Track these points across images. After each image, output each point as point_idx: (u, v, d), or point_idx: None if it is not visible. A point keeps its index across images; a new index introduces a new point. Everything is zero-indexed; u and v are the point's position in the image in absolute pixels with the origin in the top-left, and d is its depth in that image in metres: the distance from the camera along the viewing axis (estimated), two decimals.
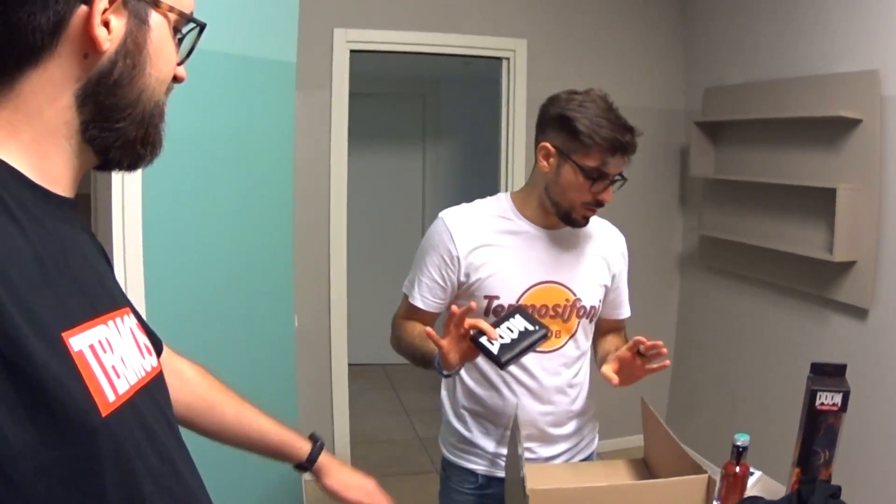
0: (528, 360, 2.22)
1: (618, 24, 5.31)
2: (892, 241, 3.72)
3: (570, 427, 2.40)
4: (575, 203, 2.20)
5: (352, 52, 4.72)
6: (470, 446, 2.40)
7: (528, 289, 2.26)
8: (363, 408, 5.70)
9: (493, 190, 5.35)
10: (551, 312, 2.28)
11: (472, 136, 7.49)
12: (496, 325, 2.00)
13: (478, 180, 7.04)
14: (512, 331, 1.99)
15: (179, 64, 1.06)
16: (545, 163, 2.22)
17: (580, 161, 2.14)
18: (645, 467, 2.30)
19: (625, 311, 2.54)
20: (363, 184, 5.19)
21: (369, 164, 6.47)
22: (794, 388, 4.09)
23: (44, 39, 0.90)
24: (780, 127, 4.42)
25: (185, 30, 1.07)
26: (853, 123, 3.86)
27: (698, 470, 1.84)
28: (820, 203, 4.04)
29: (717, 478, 2.08)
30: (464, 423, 2.41)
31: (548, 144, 2.21)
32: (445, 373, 2.08)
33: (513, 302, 2.24)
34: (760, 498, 2.05)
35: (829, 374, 2.17)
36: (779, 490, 2.27)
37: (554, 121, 2.20)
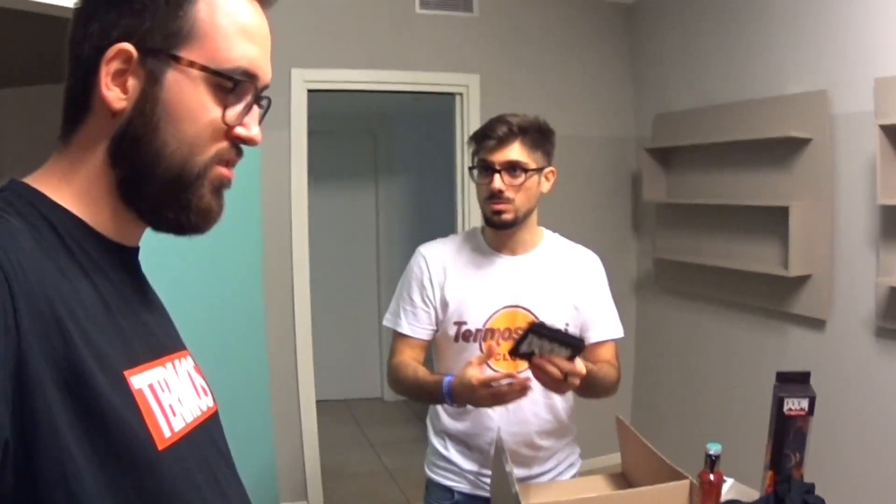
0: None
1: (568, 56, 5.46)
2: (845, 252, 3.88)
3: (543, 450, 2.46)
4: (482, 204, 2.37)
5: (309, 91, 4.79)
6: (448, 464, 2.49)
7: (492, 314, 2.38)
8: (330, 443, 5.71)
9: (446, 224, 5.45)
10: (515, 335, 2.34)
11: (424, 171, 7.56)
12: (546, 332, 2.05)
13: (430, 215, 7.12)
14: (545, 348, 2.05)
15: (235, 125, 1.02)
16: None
17: (472, 163, 2.39)
18: (624, 480, 2.39)
19: (608, 332, 2.50)
20: (318, 221, 5.24)
21: (323, 202, 6.51)
22: (757, 399, 4.23)
23: (80, 97, 0.98)
24: (731, 149, 4.57)
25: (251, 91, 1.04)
26: (803, 143, 4.02)
27: (679, 476, 1.94)
28: (773, 221, 4.18)
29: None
30: (443, 443, 2.50)
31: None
32: (455, 404, 2.22)
33: (479, 326, 2.37)
34: (738, 501, 2.14)
35: (794, 381, 2.28)
36: (752, 494, 2.36)
37: None
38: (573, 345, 2.06)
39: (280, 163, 4.75)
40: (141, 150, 0.97)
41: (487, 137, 2.32)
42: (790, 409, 2.19)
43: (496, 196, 2.31)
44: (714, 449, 2.33)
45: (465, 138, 5.12)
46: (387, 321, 2.50)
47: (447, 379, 2.19)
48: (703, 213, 4.88)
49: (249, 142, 1.03)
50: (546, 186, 2.42)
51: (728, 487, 2.45)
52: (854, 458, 3.81)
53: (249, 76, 1.01)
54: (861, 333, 3.80)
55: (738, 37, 4.55)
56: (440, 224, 5.99)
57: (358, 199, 7.73)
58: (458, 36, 5.19)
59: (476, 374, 2.08)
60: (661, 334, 5.49)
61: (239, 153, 1.05)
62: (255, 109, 1.04)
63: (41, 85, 4.03)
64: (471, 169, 2.40)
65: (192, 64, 0.97)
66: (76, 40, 0.98)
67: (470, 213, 5.21)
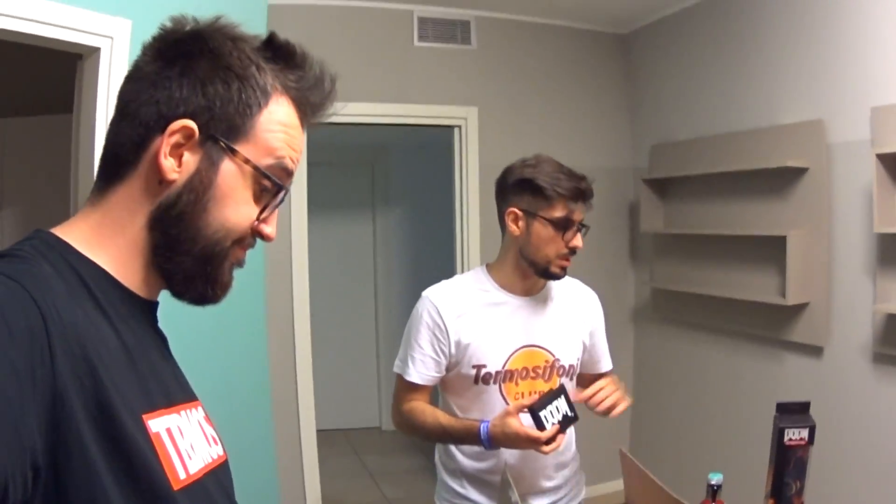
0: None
1: (565, 87, 5.52)
2: (842, 280, 3.92)
3: (558, 479, 2.52)
4: (550, 256, 2.35)
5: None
6: (466, 500, 2.51)
7: (511, 355, 2.40)
8: (330, 472, 5.71)
9: (445, 254, 5.49)
10: (532, 374, 2.42)
11: (421, 202, 7.58)
12: (546, 402, 2.20)
13: (428, 245, 7.14)
14: (557, 413, 2.21)
15: (261, 221, 1.12)
16: (515, 227, 2.38)
17: (548, 215, 2.32)
18: None
19: (604, 365, 2.66)
20: (316, 252, 5.26)
21: (320, 232, 6.51)
22: (757, 426, 4.26)
23: (129, 154, 1.03)
24: (729, 179, 4.61)
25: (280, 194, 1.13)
26: (800, 172, 4.07)
27: None
28: (770, 250, 4.23)
29: None
30: (460, 482, 2.51)
31: (514, 209, 2.38)
32: (492, 448, 2.28)
33: (499, 368, 2.39)
34: None
35: (794, 411, 2.31)
36: None
37: (515, 186, 2.38)
38: (557, 394, 2.26)
39: None
40: (184, 224, 1.04)
41: (580, 196, 2.32)
42: (791, 440, 2.22)
43: (573, 253, 2.36)
44: (716, 479, 2.35)
45: (464, 171, 5.21)
46: (396, 367, 2.50)
47: (484, 425, 2.25)
48: (701, 243, 4.91)
49: (266, 238, 1.13)
50: None
51: None
52: (852, 482, 3.83)
53: (284, 180, 1.11)
54: (859, 360, 3.84)
55: (734, 67, 4.62)
56: (438, 255, 6.02)
57: (356, 230, 7.75)
58: (457, 68, 5.25)
59: (518, 426, 2.17)
60: (660, 363, 5.51)
61: (254, 241, 1.14)
62: (277, 211, 1.13)
63: (42, 115, 4.08)
64: (545, 219, 2.33)
65: (247, 161, 1.06)
66: (137, 99, 1.04)
67: (468, 244, 5.25)
